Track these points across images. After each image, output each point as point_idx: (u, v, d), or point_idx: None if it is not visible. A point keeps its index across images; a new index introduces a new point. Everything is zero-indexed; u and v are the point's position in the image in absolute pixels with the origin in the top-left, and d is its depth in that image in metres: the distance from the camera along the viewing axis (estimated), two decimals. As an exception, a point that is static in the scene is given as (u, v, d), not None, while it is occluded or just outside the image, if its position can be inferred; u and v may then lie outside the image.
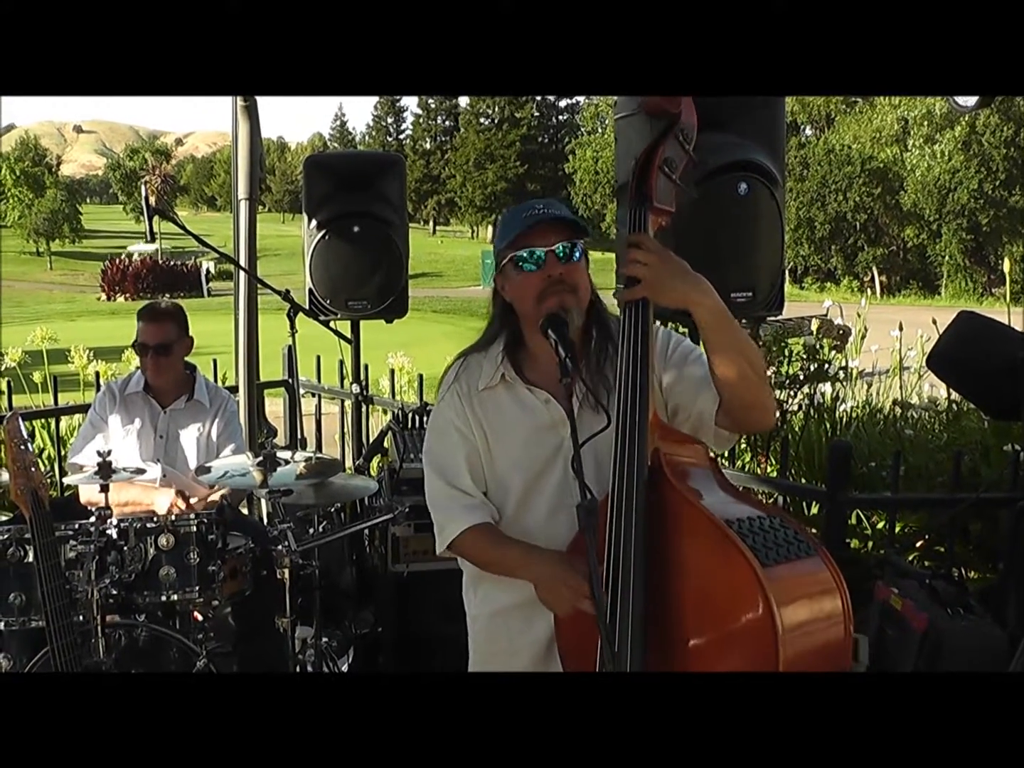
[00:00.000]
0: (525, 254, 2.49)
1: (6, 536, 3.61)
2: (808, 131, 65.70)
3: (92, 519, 3.69)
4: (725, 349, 2.36)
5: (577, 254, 2.51)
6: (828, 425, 6.72)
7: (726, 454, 5.35)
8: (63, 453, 6.11)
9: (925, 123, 52.95)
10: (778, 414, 5.93)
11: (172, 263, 58.89)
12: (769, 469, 5.88)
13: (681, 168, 2.42)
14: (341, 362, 6.79)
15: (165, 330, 4.59)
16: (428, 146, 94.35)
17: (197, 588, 3.77)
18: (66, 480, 4.52)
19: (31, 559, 3.43)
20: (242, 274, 6.10)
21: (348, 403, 6.97)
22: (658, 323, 2.43)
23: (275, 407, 7.87)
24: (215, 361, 7.18)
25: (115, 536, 3.71)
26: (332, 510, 4.91)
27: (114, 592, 3.62)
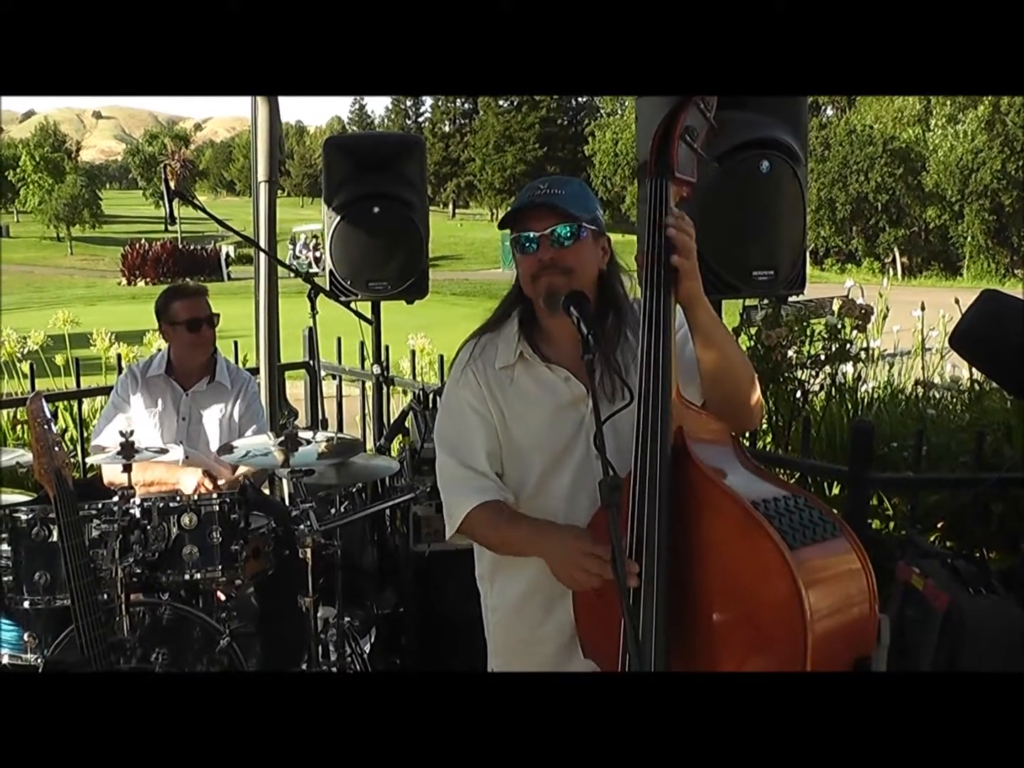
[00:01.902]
0: (521, 237, 2.51)
1: (31, 516, 3.64)
2: (829, 111, 65.38)
3: (115, 498, 3.71)
4: (720, 349, 2.39)
5: (572, 238, 2.48)
6: (850, 405, 6.70)
7: (747, 434, 5.33)
8: (85, 435, 6.14)
9: (948, 103, 52.63)
10: (799, 394, 5.91)
11: (192, 247, 58.98)
12: (790, 450, 5.86)
13: (702, 137, 2.39)
14: (362, 343, 6.79)
15: (204, 304, 4.66)
16: (447, 129, 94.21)
17: (220, 567, 3.79)
18: (88, 460, 4.55)
19: (56, 538, 3.45)
20: (262, 256, 6.11)
21: (369, 384, 6.98)
22: None
23: (296, 389, 7.89)
24: (236, 343, 7.20)
25: (138, 515, 3.73)
26: (353, 490, 4.90)
27: (138, 571, 3.64)
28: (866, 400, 6.97)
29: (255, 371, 5.98)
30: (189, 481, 4.26)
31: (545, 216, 2.47)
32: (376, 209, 5.63)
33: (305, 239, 54.34)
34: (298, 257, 51.17)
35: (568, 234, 2.47)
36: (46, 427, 3.18)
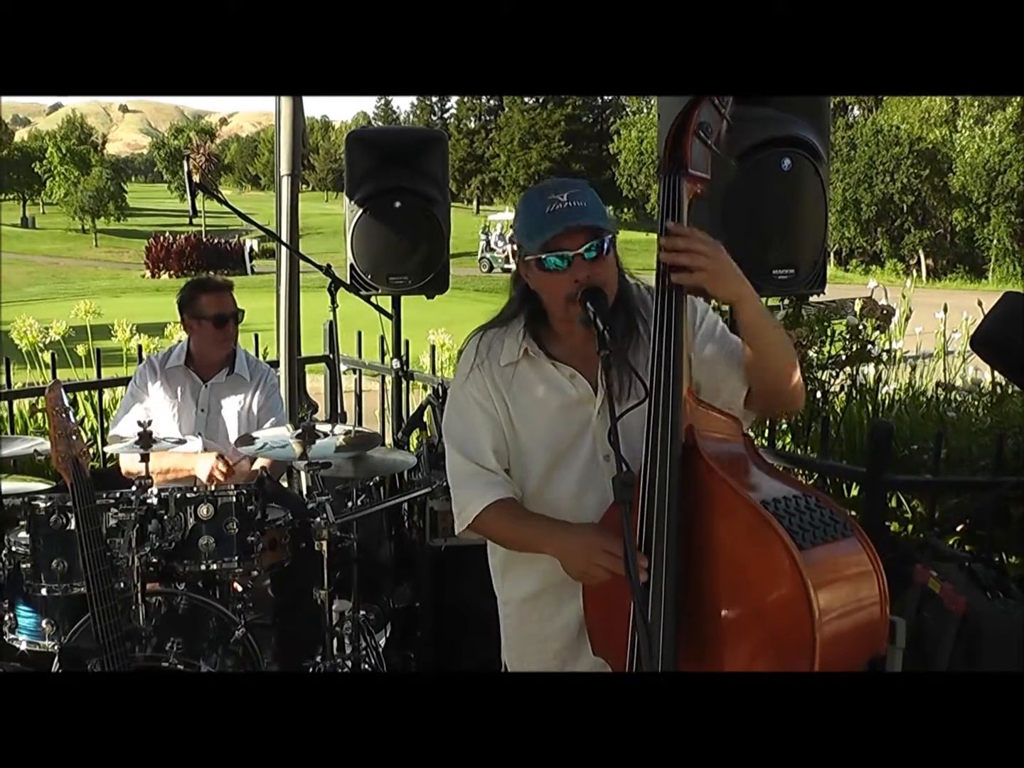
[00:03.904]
0: (552, 255, 2.42)
1: (49, 504, 3.66)
2: (856, 111, 64.97)
3: (133, 488, 3.73)
4: (767, 342, 2.36)
5: (605, 249, 2.44)
6: (870, 407, 6.67)
7: (765, 434, 5.32)
8: (105, 425, 6.17)
9: (975, 104, 52.22)
10: (819, 395, 5.89)
11: (216, 240, 59.16)
12: (810, 450, 5.84)
13: (717, 134, 2.36)
14: (382, 338, 6.80)
15: (230, 299, 4.69)
16: (472, 125, 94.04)
17: (236, 558, 3.80)
18: (107, 449, 4.57)
19: (73, 527, 3.47)
20: (284, 249, 6.13)
21: (388, 379, 6.99)
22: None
23: (316, 383, 7.90)
24: (256, 336, 7.23)
25: (155, 505, 3.74)
26: (371, 484, 4.92)
27: (154, 560, 3.66)
28: (887, 402, 6.94)
29: (275, 364, 5.99)
30: (203, 467, 4.28)
31: (580, 233, 2.40)
32: (397, 204, 5.64)
33: (501, 229, 49.13)
34: (493, 249, 47.95)
35: (598, 247, 2.43)
36: (64, 416, 3.19)
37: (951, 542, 4.98)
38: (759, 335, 2.35)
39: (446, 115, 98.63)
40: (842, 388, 6.45)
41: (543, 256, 2.43)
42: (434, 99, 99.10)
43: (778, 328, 2.42)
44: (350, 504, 4.53)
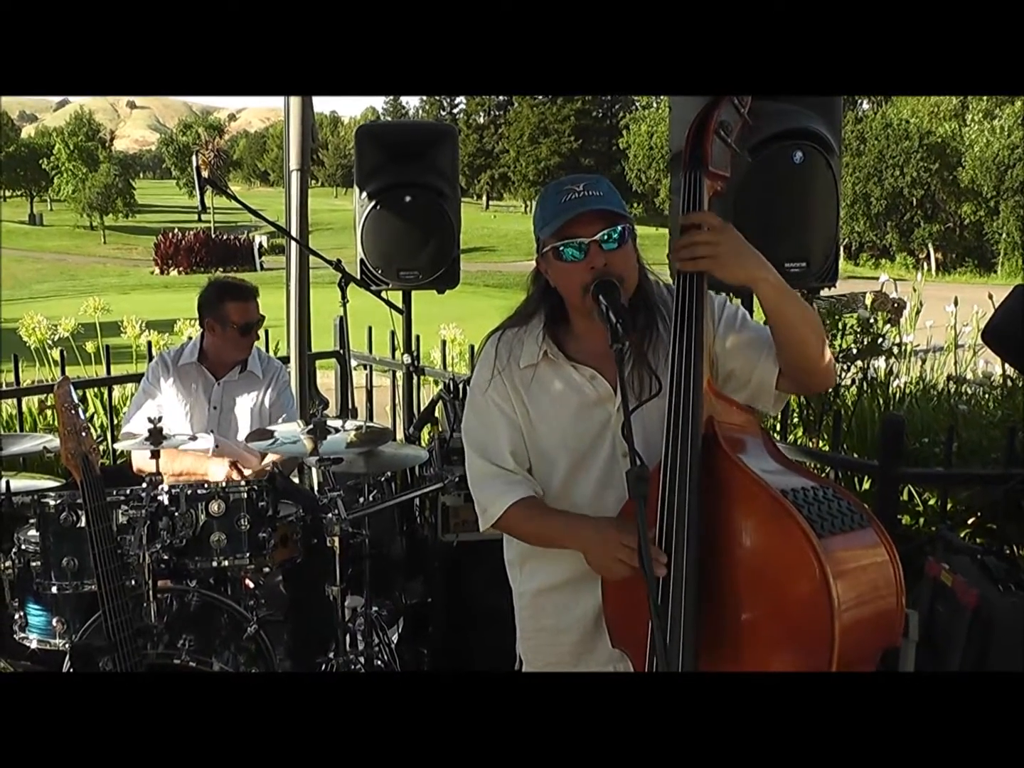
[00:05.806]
0: (568, 244, 2.42)
1: (59, 501, 3.65)
2: (865, 105, 64.82)
3: (143, 485, 3.72)
4: (789, 321, 2.34)
5: (625, 239, 2.44)
6: (881, 400, 6.66)
7: (778, 427, 5.32)
8: (115, 422, 6.17)
9: (984, 98, 52.11)
10: (831, 388, 5.88)
11: (225, 237, 59.25)
12: (821, 444, 5.84)
13: (736, 132, 2.39)
14: (393, 333, 6.80)
15: (256, 307, 4.72)
16: (482, 120, 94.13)
17: (247, 554, 3.78)
18: (117, 446, 4.57)
19: (84, 524, 3.46)
20: (294, 245, 6.12)
21: (399, 374, 6.99)
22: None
23: (327, 379, 7.91)
24: (267, 332, 7.22)
25: (166, 502, 3.72)
26: (382, 479, 4.91)
27: (165, 557, 3.64)
28: (898, 395, 6.94)
29: (286, 360, 5.99)
30: (217, 471, 4.28)
31: (595, 220, 2.40)
32: (408, 198, 5.62)
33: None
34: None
35: (618, 236, 2.42)
36: (74, 412, 3.18)
37: (963, 535, 4.97)
38: (781, 314, 2.33)
39: (455, 110, 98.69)
40: (853, 382, 6.45)
41: (560, 247, 2.43)
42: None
43: (802, 306, 2.38)
44: (362, 500, 4.52)
